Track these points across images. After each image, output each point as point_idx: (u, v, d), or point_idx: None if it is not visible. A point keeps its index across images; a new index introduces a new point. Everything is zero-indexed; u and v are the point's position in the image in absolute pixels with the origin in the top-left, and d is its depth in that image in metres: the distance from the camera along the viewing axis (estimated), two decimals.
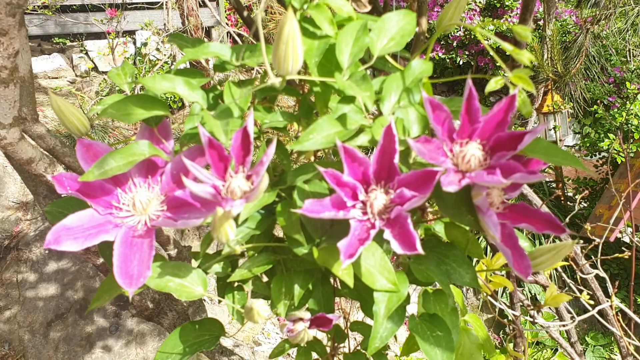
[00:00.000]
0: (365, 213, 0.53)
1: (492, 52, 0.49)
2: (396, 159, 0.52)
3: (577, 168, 0.65)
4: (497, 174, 0.48)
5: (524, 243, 0.63)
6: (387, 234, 0.51)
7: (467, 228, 0.65)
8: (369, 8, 0.67)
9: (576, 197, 4.26)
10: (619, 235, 3.88)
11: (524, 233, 0.78)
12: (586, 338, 3.83)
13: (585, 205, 4.25)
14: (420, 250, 0.49)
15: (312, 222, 0.57)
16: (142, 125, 0.58)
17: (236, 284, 0.67)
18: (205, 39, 4.10)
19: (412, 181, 0.52)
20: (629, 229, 3.95)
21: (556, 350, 3.60)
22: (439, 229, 0.72)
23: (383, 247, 0.58)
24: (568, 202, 4.27)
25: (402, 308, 0.61)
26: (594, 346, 3.80)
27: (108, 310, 3.23)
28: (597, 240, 1.13)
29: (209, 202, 0.53)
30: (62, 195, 1.02)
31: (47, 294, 3.28)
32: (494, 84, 0.53)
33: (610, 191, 3.64)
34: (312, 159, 0.76)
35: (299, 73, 0.54)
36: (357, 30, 0.57)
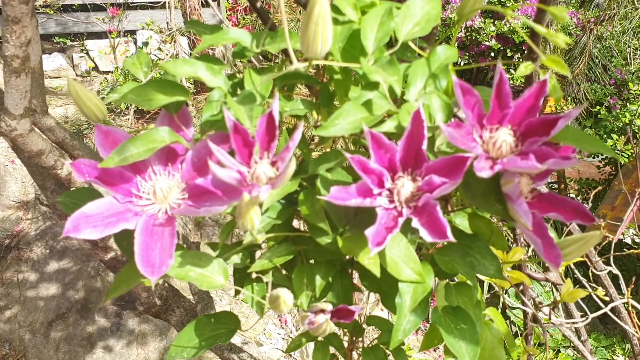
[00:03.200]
0: (392, 201, 0.52)
1: (525, 36, 0.48)
2: (424, 146, 0.51)
3: (607, 154, 0.64)
4: (532, 159, 0.46)
5: (551, 233, 0.62)
6: (415, 222, 0.50)
7: (491, 219, 0.64)
8: None
9: (579, 198, 4.26)
10: (621, 237, 3.87)
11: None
12: (588, 339, 3.83)
13: (589, 206, 4.25)
14: (451, 237, 0.47)
15: (336, 210, 0.55)
16: (162, 112, 0.57)
17: (255, 276, 0.65)
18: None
19: (441, 168, 0.51)
20: (631, 231, 3.95)
21: (559, 351, 3.59)
22: (459, 221, 0.71)
23: (407, 237, 0.57)
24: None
25: (425, 300, 0.60)
26: (597, 347, 3.79)
27: (109, 310, 3.21)
28: (611, 237, 1.12)
29: (231, 190, 0.51)
30: (72, 189, 1.01)
31: (48, 294, 3.26)
32: (523, 69, 0.51)
33: (613, 192, 3.63)
34: (329, 149, 0.75)
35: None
36: (382, 14, 0.56)
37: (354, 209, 0.57)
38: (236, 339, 1.17)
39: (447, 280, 0.69)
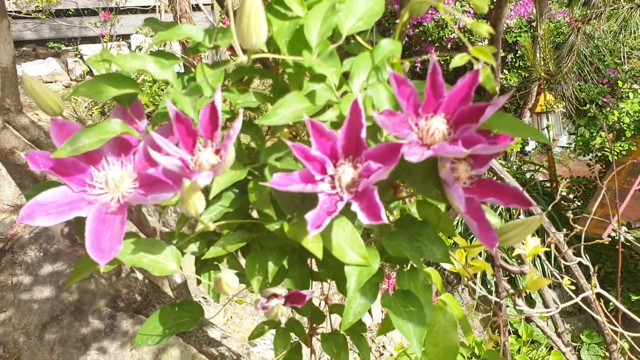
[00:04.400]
0: (334, 187, 0.54)
1: (456, 30, 0.50)
2: (363, 134, 0.53)
3: (542, 141, 0.66)
4: (459, 145, 0.49)
5: (493, 219, 0.64)
6: (355, 207, 0.52)
7: (440, 206, 0.66)
8: None
9: (570, 195, 4.28)
10: (613, 234, 3.89)
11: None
12: (581, 336, 3.84)
13: (579, 204, 4.27)
14: (384, 219, 0.50)
15: (283, 197, 0.58)
16: (116, 106, 0.59)
17: (214, 263, 0.68)
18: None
19: (379, 154, 0.53)
20: (624, 228, 3.97)
21: (551, 348, 3.61)
22: (415, 210, 0.73)
23: (354, 223, 0.59)
24: (562, 201, 4.28)
25: (374, 284, 0.62)
26: (589, 344, 3.81)
27: (103, 312, 3.23)
28: (579, 228, 1.14)
29: (180, 178, 0.54)
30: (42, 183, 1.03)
31: (42, 297, 3.28)
32: (458, 60, 0.54)
33: (602, 189, 3.65)
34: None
35: (269, 53, 0.55)
36: (325, 10, 0.58)
37: (301, 196, 0.59)
38: (216, 333, 1.19)
39: (404, 266, 0.71)
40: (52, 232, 3.48)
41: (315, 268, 0.74)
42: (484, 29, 0.49)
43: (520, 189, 0.58)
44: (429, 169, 0.56)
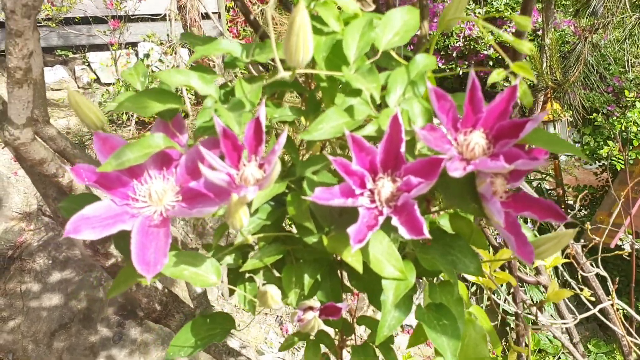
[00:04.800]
0: (373, 201, 0.55)
1: (495, 45, 0.51)
2: (403, 148, 0.54)
3: (577, 155, 0.67)
4: (501, 160, 0.50)
5: (526, 233, 0.65)
6: (395, 221, 0.53)
7: (472, 219, 0.67)
8: (373, 7, 0.69)
9: (576, 204, 4.28)
10: (619, 243, 3.89)
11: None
12: (588, 345, 3.83)
13: (586, 212, 4.27)
14: (427, 234, 0.50)
15: (321, 210, 0.59)
16: (157, 119, 0.60)
17: (247, 275, 0.68)
18: None
19: (419, 169, 0.54)
20: (630, 237, 3.97)
21: (559, 358, 3.60)
22: (444, 222, 0.74)
23: (390, 236, 0.60)
24: (568, 210, 4.28)
25: (409, 297, 0.63)
26: (597, 354, 3.79)
27: (112, 320, 3.24)
28: (597, 239, 1.15)
29: (222, 192, 0.55)
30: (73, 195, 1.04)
31: (50, 304, 3.29)
32: (496, 76, 0.55)
33: (610, 198, 3.66)
34: (318, 153, 0.78)
35: (307, 67, 0.56)
36: (363, 25, 0.59)
37: (339, 209, 0.60)
38: (235, 343, 1.20)
39: (434, 278, 0.72)
40: (60, 240, 3.49)
41: (345, 280, 0.75)
42: (526, 46, 0.50)
43: (554, 203, 0.59)
44: (466, 184, 0.57)
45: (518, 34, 0.54)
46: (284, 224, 0.70)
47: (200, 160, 0.54)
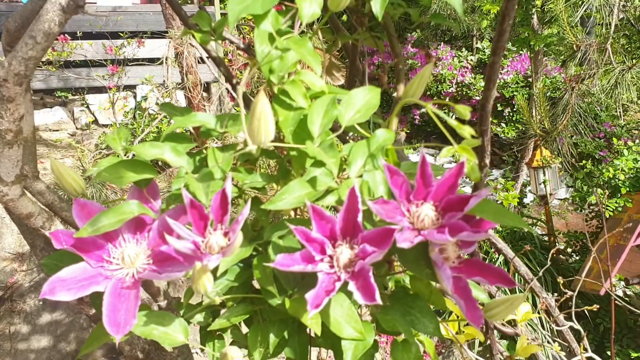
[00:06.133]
0: (332, 266, 0.59)
1: (442, 128, 0.56)
2: (359, 218, 0.58)
3: (524, 228, 0.71)
4: (445, 233, 0.54)
5: (481, 295, 0.69)
6: (351, 286, 0.57)
7: (432, 281, 0.70)
8: (342, 81, 0.74)
9: (568, 249, 4.31)
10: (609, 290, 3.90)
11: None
12: None
13: (577, 258, 4.29)
14: (379, 300, 0.54)
15: (285, 274, 0.62)
16: (132, 186, 0.65)
17: (217, 333, 0.72)
18: (205, 94, 4.23)
19: (374, 238, 0.58)
20: (622, 282, 3.99)
21: None
22: (408, 281, 0.77)
23: (351, 298, 0.63)
24: (560, 255, 4.31)
25: (369, 355, 0.66)
26: None
27: None
28: (570, 293, 1.18)
29: (191, 256, 0.58)
30: (59, 248, 1.08)
31: (39, 346, 3.28)
32: (445, 152, 0.59)
33: (600, 244, 3.68)
34: (292, 214, 0.83)
35: (276, 138, 0.61)
36: (327, 103, 0.64)
37: (302, 273, 0.64)
38: None
39: (399, 337, 0.75)
40: None
41: (313, 335, 0.78)
42: (467, 131, 0.54)
43: (504, 270, 0.62)
44: (420, 250, 0.61)
45: (460, 120, 0.59)
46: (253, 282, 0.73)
47: (169, 230, 0.58)
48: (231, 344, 0.70)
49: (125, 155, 0.74)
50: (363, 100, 0.67)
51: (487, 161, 0.92)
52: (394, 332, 0.70)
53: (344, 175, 0.68)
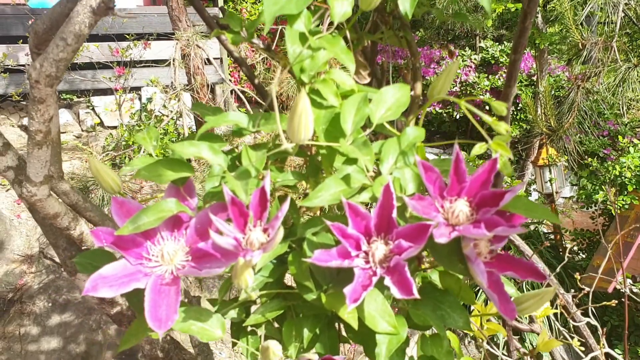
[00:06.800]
0: (367, 262, 0.60)
1: (475, 124, 0.57)
2: (394, 214, 0.59)
3: (553, 222, 0.72)
4: (482, 228, 0.55)
5: (510, 290, 0.70)
6: (387, 281, 0.58)
7: (460, 276, 0.72)
8: (368, 80, 0.75)
9: (574, 248, 4.32)
10: (618, 287, 3.91)
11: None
12: None
13: (584, 256, 4.30)
14: (416, 294, 0.55)
15: (320, 270, 0.64)
16: (169, 184, 0.66)
17: (249, 329, 0.73)
18: (210, 95, 4.24)
19: (409, 233, 0.59)
20: (629, 280, 3.99)
21: None
22: (435, 277, 0.78)
23: (384, 293, 0.64)
24: (567, 254, 4.31)
25: (401, 350, 0.67)
26: None
27: None
28: (587, 289, 1.19)
29: (229, 253, 0.60)
30: (83, 248, 1.09)
31: (49, 347, 3.29)
32: (478, 149, 0.60)
33: (606, 242, 3.69)
34: (318, 213, 0.84)
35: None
36: (358, 101, 0.65)
37: (336, 268, 0.65)
38: None
39: (426, 332, 0.76)
40: (60, 283, 3.51)
41: (342, 331, 0.79)
42: (503, 127, 0.56)
43: (535, 264, 0.64)
44: (453, 245, 0.62)
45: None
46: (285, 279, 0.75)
47: (210, 224, 0.59)
48: (265, 338, 0.71)
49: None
50: (393, 98, 0.68)
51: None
52: (425, 326, 0.71)
53: (371, 173, 0.69)
